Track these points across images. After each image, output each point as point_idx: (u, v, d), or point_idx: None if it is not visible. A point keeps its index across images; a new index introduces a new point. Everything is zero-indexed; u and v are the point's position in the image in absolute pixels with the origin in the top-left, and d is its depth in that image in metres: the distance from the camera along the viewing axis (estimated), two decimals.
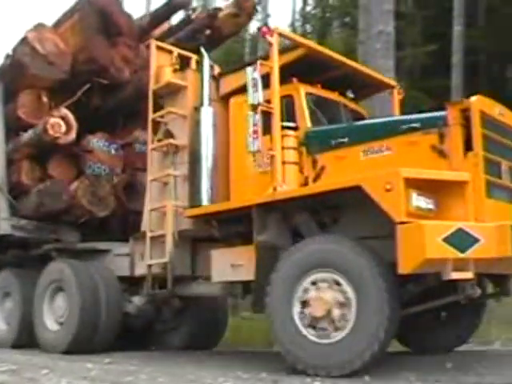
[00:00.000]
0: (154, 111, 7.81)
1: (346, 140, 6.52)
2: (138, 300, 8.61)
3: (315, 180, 6.64)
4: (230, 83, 7.75)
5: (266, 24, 8.50)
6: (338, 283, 5.64)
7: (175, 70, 7.82)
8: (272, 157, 6.48)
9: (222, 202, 7.17)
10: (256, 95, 6.45)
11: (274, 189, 6.34)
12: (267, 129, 6.50)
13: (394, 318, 5.50)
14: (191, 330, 9.11)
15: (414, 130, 6.09)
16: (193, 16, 9.51)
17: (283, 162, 6.61)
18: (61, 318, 8.27)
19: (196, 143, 7.48)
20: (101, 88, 9.39)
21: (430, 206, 5.50)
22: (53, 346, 8.17)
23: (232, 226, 7.07)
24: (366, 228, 5.99)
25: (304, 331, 5.77)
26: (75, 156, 9.34)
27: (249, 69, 6.55)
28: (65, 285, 8.25)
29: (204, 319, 9.18)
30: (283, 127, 6.68)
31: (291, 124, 6.81)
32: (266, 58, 6.79)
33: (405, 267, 5.22)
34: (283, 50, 7.01)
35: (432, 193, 5.55)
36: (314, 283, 5.79)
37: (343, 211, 6.28)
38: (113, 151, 9.48)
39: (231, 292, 7.44)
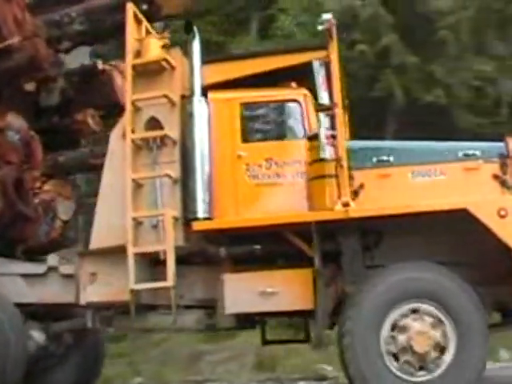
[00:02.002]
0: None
1: (391, 159, 6.27)
2: (38, 336, 6.72)
3: (354, 197, 6.17)
4: (213, 74, 6.68)
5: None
6: (439, 319, 5.42)
7: (164, 46, 6.40)
8: (341, 166, 5.83)
9: (247, 217, 6.08)
10: (325, 94, 5.79)
11: (346, 204, 5.72)
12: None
13: None
14: (77, 365, 7.62)
15: (474, 157, 6.24)
16: None
17: (324, 176, 6.05)
18: None
19: (189, 139, 6.24)
20: None
21: None
22: None
23: (247, 246, 6.09)
24: (441, 253, 5.87)
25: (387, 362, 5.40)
26: None
27: (316, 64, 5.84)
28: None
29: (88, 353, 7.72)
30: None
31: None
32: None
33: None
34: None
35: None
36: (414, 311, 5.46)
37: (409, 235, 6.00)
38: None
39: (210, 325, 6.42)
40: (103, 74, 7.99)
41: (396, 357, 5.45)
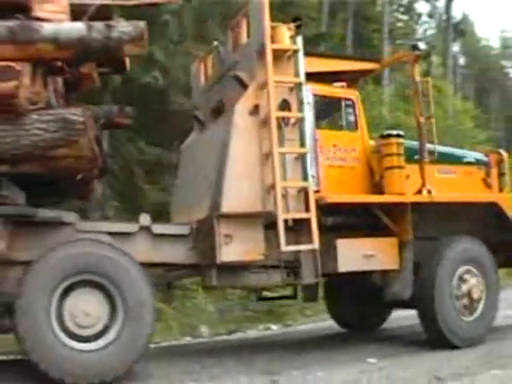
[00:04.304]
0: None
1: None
2: None
3: None
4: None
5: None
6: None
7: (292, 36, 7.44)
8: (424, 162, 7.87)
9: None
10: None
11: (429, 191, 7.81)
12: None
13: None
14: None
15: (472, 163, 8.93)
16: None
17: (395, 167, 8.01)
18: None
19: (301, 122, 7.49)
20: None
21: None
22: None
23: (358, 218, 7.70)
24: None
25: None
26: None
27: None
28: None
29: None
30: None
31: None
32: None
33: None
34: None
35: None
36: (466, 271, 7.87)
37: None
38: None
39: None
40: None
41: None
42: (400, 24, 41.68)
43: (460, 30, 56.71)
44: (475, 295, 7.84)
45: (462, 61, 58.94)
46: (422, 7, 58.23)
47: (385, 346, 8.14)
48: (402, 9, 43.89)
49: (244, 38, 7.81)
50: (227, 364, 7.18)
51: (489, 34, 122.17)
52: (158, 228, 7.15)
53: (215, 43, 8.66)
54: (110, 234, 6.84)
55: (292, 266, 7.51)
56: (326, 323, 10.92)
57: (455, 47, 61.95)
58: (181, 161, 9.03)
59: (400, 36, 40.53)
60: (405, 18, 44.71)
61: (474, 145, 24.62)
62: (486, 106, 51.67)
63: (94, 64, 7.23)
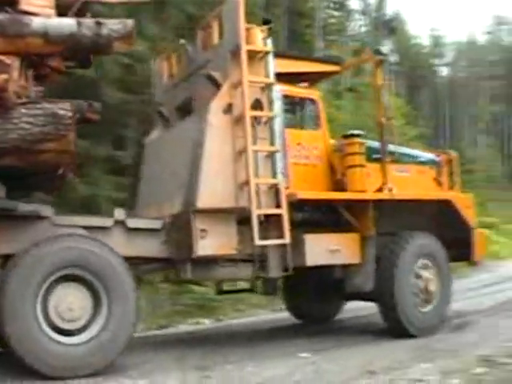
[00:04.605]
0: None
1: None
2: None
3: None
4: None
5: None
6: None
7: (264, 38, 7.72)
8: (385, 161, 8.33)
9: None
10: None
11: (390, 189, 8.28)
12: None
13: None
14: None
15: (424, 163, 9.49)
16: None
17: (357, 166, 8.45)
18: None
19: (272, 119, 7.79)
20: None
21: None
22: None
23: (323, 214, 8.09)
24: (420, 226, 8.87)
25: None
26: None
27: None
28: None
29: None
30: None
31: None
32: None
33: (477, 256, 8.92)
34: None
35: None
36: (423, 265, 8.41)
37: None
38: None
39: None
40: None
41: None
42: (333, 20, 42.57)
43: (392, 27, 58.63)
44: (431, 288, 8.37)
45: (393, 58, 60.72)
46: (354, 4, 59.48)
47: (318, 340, 8.31)
48: (334, 5, 44.68)
49: (215, 38, 8.02)
50: (159, 359, 7.15)
51: (420, 32, 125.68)
52: (132, 222, 7.30)
53: (182, 41, 8.82)
54: (86, 228, 6.94)
55: (260, 260, 7.80)
56: (258, 318, 11.28)
57: (387, 44, 63.92)
58: (145, 156, 9.17)
59: (332, 32, 41.48)
60: (337, 14, 45.51)
61: (405, 141, 25.57)
62: (417, 102, 53.53)
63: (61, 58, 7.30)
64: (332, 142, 8.79)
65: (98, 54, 6.47)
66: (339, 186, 8.47)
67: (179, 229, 7.32)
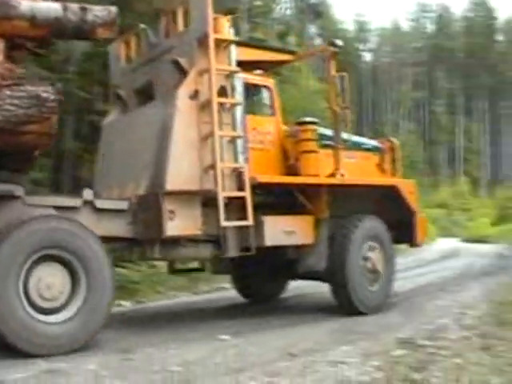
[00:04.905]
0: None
1: (331, 143, 9.57)
2: None
3: None
4: None
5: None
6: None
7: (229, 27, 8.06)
8: (338, 147, 8.90)
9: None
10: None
11: (342, 175, 8.86)
12: None
13: None
14: None
15: (369, 150, 10.13)
16: None
17: (311, 151, 8.99)
18: None
19: (235, 106, 8.16)
20: None
21: None
22: None
23: (280, 197, 8.56)
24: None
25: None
26: None
27: None
28: None
29: None
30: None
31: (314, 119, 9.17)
32: None
33: (419, 239, 9.67)
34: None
35: None
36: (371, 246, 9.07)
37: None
38: None
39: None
40: None
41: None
42: (258, 3, 43.00)
43: (317, 11, 59.53)
44: (378, 268, 9.04)
45: (318, 42, 61.78)
46: None
47: (240, 323, 8.37)
48: None
49: (180, 25, 8.29)
50: None
51: (345, 17, 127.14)
52: (100, 203, 7.54)
53: (142, 26, 9.01)
54: (56, 207, 7.14)
55: (217, 241, 8.20)
56: (180, 300, 11.47)
57: (312, 28, 64.77)
58: (103, 138, 9.33)
59: (258, 15, 41.89)
60: None
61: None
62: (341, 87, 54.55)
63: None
64: (284, 128, 9.25)
65: (80, 39, 6.65)
66: (292, 170, 8.95)
67: (146, 209, 7.61)
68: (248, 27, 35.41)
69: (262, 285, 10.55)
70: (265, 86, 9.17)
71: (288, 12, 61.49)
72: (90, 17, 6.12)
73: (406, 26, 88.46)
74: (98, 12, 6.21)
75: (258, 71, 9.57)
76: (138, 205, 7.74)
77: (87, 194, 7.47)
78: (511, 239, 29.13)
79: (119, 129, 8.94)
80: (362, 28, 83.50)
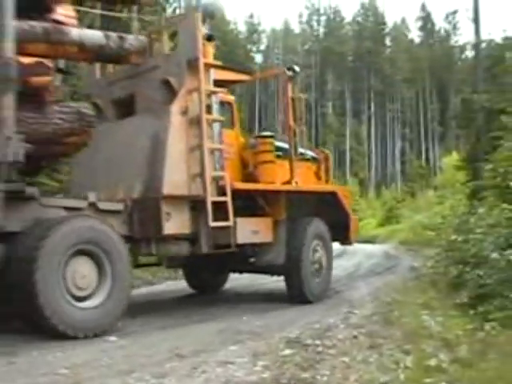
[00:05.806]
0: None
1: (280, 154, 11.00)
2: None
3: None
4: None
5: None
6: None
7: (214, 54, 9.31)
8: (294, 159, 10.41)
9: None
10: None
11: (296, 182, 10.38)
12: None
13: None
14: None
15: (308, 160, 11.73)
16: None
17: (269, 162, 10.46)
18: None
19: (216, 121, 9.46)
20: None
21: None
22: None
23: (246, 202, 9.92)
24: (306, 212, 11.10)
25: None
26: None
27: None
28: None
29: None
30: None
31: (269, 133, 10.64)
32: None
33: (353, 238, 11.43)
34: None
35: None
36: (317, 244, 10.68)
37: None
38: None
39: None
40: None
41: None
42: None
43: (209, 12, 60.08)
44: (322, 262, 10.65)
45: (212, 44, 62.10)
46: None
47: (127, 323, 8.01)
48: None
49: (166, 47, 9.40)
50: None
51: (236, 17, 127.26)
52: (102, 204, 8.52)
53: None
54: (66, 208, 8.06)
55: (192, 239, 9.39)
56: None
57: (204, 29, 65.06)
58: None
59: (149, 13, 42.34)
60: None
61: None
62: (232, 90, 55.68)
63: None
64: (242, 139, 10.62)
65: (117, 63, 7.61)
66: (250, 178, 10.37)
67: (143, 211, 8.70)
68: (138, 25, 36.04)
69: (210, 278, 11.84)
70: (228, 103, 10.46)
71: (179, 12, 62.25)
72: (126, 45, 7.14)
73: (297, 28, 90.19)
74: (132, 41, 7.23)
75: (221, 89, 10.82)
76: (134, 206, 8.76)
77: (91, 196, 8.41)
78: (397, 239, 31.02)
79: (98, 136, 9.81)
80: (253, 29, 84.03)
